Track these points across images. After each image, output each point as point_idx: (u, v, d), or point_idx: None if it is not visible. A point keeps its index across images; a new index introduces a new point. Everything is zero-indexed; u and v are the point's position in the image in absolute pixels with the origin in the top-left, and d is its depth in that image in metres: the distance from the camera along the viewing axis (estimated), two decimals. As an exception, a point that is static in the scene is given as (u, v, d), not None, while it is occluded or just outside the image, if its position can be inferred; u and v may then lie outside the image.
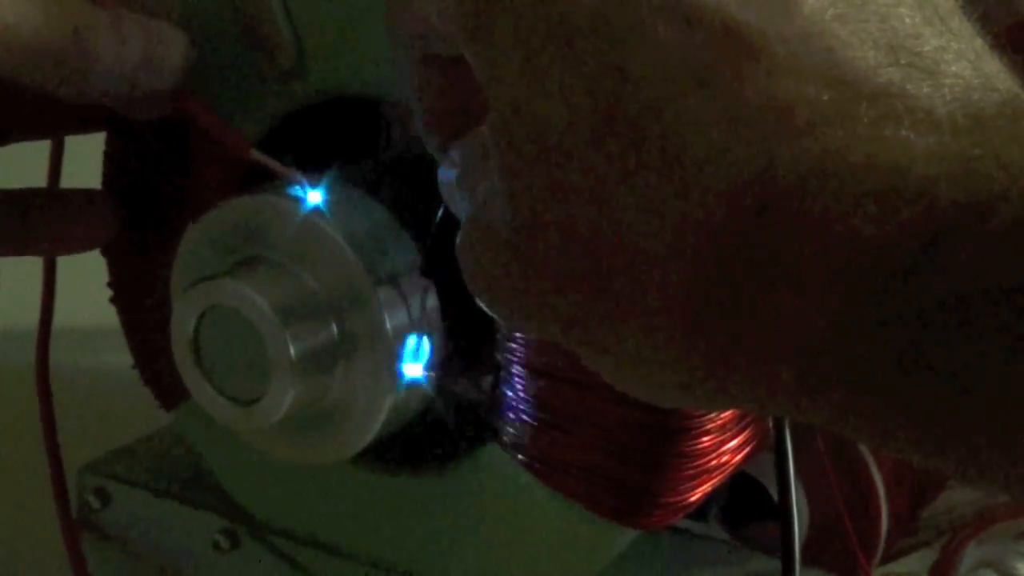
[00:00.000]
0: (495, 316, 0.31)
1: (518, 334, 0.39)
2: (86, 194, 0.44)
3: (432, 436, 0.42)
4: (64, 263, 0.46)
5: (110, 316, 0.46)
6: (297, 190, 0.38)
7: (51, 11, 0.35)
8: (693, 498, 0.40)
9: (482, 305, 0.31)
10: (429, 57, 0.32)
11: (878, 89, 0.24)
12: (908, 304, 0.23)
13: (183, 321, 0.38)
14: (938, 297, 0.22)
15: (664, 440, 0.38)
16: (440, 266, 0.38)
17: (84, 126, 0.44)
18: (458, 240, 0.31)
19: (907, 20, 0.25)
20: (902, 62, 0.25)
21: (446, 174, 0.32)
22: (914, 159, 0.23)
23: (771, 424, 0.38)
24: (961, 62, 0.25)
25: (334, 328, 0.37)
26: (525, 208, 0.28)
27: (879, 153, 0.23)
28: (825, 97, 0.24)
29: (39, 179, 0.44)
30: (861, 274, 0.23)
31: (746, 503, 0.49)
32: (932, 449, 0.24)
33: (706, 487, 0.40)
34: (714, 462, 0.39)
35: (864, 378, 0.24)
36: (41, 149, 0.44)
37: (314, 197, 0.38)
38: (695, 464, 0.39)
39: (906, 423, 0.24)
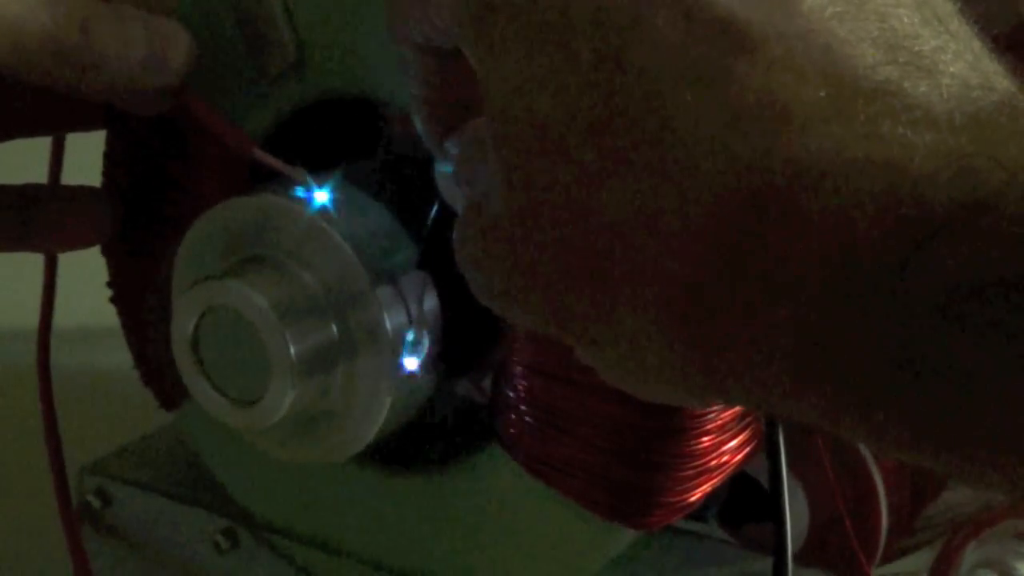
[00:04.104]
0: (491, 307, 0.31)
1: (518, 334, 0.39)
2: (85, 191, 0.44)
3: (432, 436, 0.42)
4: (64, 263, 0.46)
5: (110, 316, 0.46)
6: (297, 190, 0.38)
7: (57, 7, 0.35)
8: (693, 498, 0.40)
9: (478, 296, 0.31)
10: (427, 50, 0.32)
11: (876, 87, 0.24)
12: (904, 301, 0.23)
13: (183, 321, 0.38)
14: (934, 294, 0.22)
15: (664, 440, 0.38)
16: (438, 264, 0.38)
17: (85, 123, 0.44)
18: (455, 232, 0.31)
19: (906, 20, 0.26)
20: (900, 61, 0.25)
21: (443, 167, 0.32)
22: (911, 156, 0.23)
23: (763, 425, 0.38)
24: (959, 62, 0.25)
25: (334, 328, 0.37)
26: (523, 201, 0.28)
27: (876, 150, 0.23)
28: (822, 94, 0.24)
29: (39, 177, 0.44)
30: (857, 271, 0.23)
31: (746, 503, 0.49)
32: (927, 448, 0.24)
33: (706, 487, 0.40)
34: (714, 462, 0.39)
35: (859, 376, 0.24)
36: (42, 147, 0.44)
37: (314, 197, 0.38)
38: (695, 464, 0.39)
39: (900, 421, 0.24)
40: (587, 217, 0.27)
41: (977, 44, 0.26)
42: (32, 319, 0.46)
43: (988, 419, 0.22)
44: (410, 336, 0.38)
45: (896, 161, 0.23)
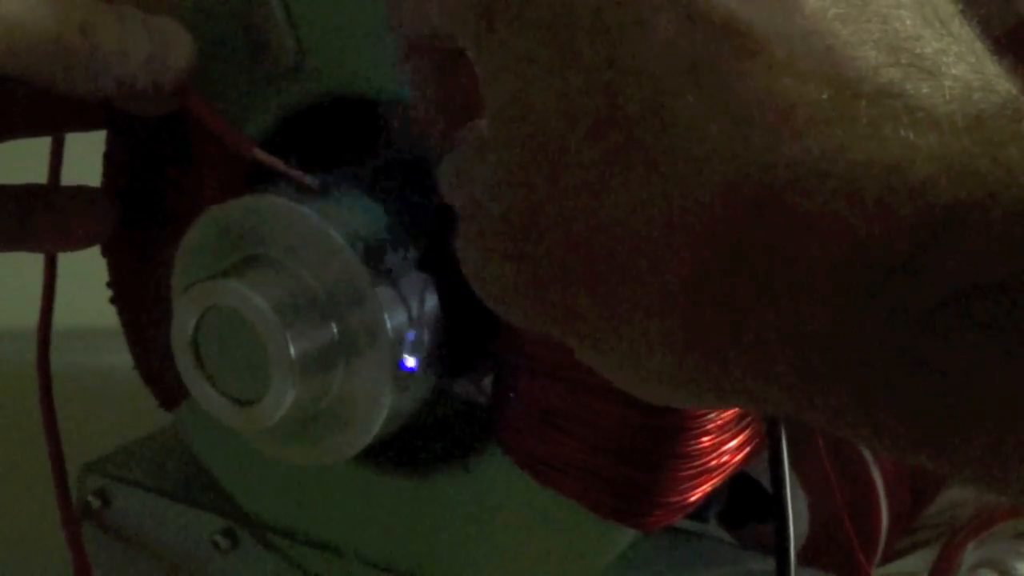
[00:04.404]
0: (492, 309, 0.31)
1: (518, 334, 0.39)
2: (85, 191, 0.44)
3: (432, 436, 0.42)
4: (64, 263, 0.46)
5: (110, 316, 0.46)
6: (297, 190, 0.38)
7: (57, 7, 0.35)
8: (693, 498, 0.40)
9: (480, 297, 0.31)
10: (428, 51, 0.32)
11: (878, 89, 0.24)
12: (906, 301, 0.23)
13: (183, 321, 0.38)
14: (936, 294, 0.22)
15: (664, 440, 0.38)
16: (439, 264, 0.38)
17: (84, 124, 0.44)
18: (457, 233, 0.31)
19: (908, 22, 0.26)
20: (902, 63, 0.25)
21: (445, 168, 0.32)
22: (913, 158, 0.23)
23: (765, 425, 0.38)
24: (961, 64, 0.25)
25: (334, 328, 0.37)
26: (524, 202, 0.28)
27: (878, 151, 0.23)
28: (825, 96, 0.24)
29: (39, 177, 0.44)
30: (859, 271, 0.23)
31: (746, 503, 0.49)
32: (927, 449, 0.24)
33: (706, 487, 0.40)
34: (714, 462, 0.39)
35: (862, 376, 0.24)
36: (42, 147, 0.44)
37: (314, 196, 0.38)
38: (695, 464, 0.39)
39: (903, 422, 0.24)
40: (588, 218, 0.27)
41: (979, 46, 0.26)
42: (32, 319, 0.46)
43: (987, 418, 0.22)
44: (410, 336, 0.38)
45: (898, 163, 0.23)
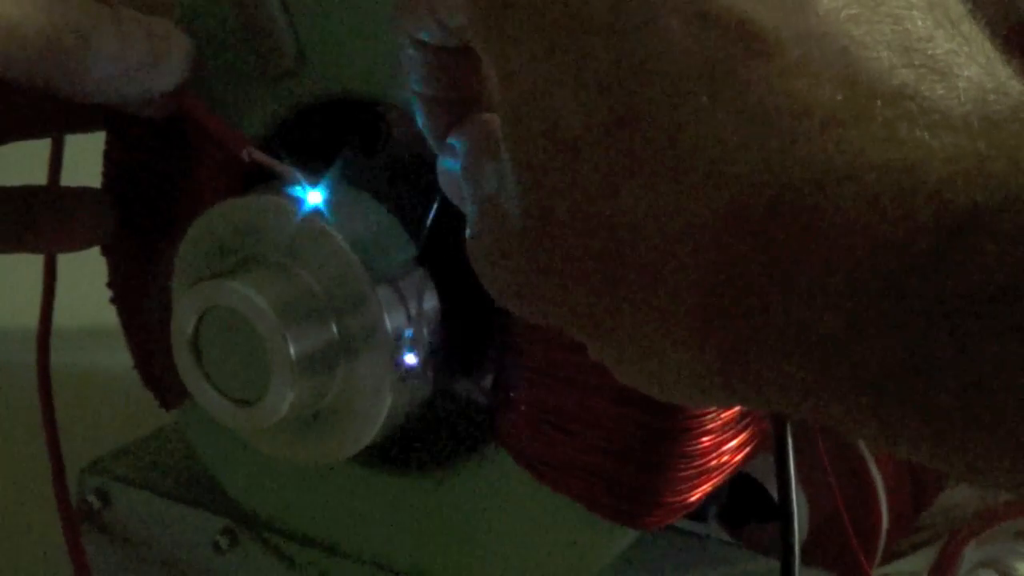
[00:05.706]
0: (504, 306, 0.31)
1: (518, 334, 0.39)
2: (85, 191, 0.44)
3: (432, 436, 0.42)
4: (64, 263, 0.46)
5: (110, 316, 0.46)
6: (297, 190, 0.38)
7: (54, 9, 0.35)
8: (693, 498, 0.40)
9: (492, 294, 0.31)
10: (431, 46, 0.32)
11: (893, 90, 0.24)
12: (922, 303, 0.23)
13: (183, 321, 0.38)
14: (953, 297, 0.22)
15: (664, 440, 0.38)
16: (438, 263, 0.38)
17: (84, 125, 0.44)
18: (468, 231, 0.31)
19: (920, 23, 0.25)
20: (916, 64, 0.24)
21: (445, 163, 0.32)
22: (930, 160, 0.23)
23: (771, 424, 0.38)
24: (973, 66, 0.25)
25: (334, 328, 0.37)
26: (537, 200, 0.28)
27: (894, 154, 0.23)
28: (840, 97, 0.24)
29: (39, 178, 0.44)
30: (876, 273, 0.23)
31: (746, 503, 0.49)
32: (942, 450, 0.24)
33: (706, 487, 0.40)
34: (714, 462, 0.39)
35: (876, 377, 0.23)
36: (41, 148, 0.44)
37: (314, 197, 0.38)
38: (695, 464, 0.39)
39: (917, 423, 0.23)
40: (603, 217, 0.26)
41: (989, 47, 0.26)
42: (32, 319, 0.46)
43: (1005, 421, 0.22)
44: (410, 336, 0.38)
45: (915, 165, 0.23)
